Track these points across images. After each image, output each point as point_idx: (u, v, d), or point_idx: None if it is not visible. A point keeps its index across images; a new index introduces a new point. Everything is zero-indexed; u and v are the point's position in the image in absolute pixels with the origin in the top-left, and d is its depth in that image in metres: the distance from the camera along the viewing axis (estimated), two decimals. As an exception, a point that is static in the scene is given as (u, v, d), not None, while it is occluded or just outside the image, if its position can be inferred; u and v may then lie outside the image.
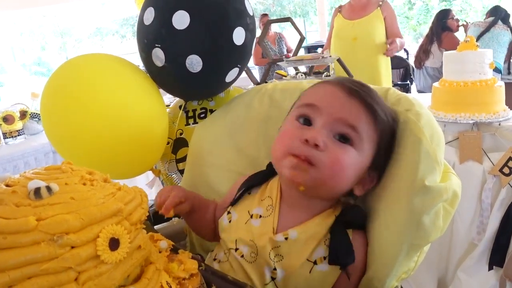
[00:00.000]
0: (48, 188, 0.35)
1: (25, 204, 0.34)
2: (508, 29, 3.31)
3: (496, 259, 1.43)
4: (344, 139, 0.56)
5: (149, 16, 0.80)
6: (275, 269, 0.58)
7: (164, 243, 0.52)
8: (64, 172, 0.39)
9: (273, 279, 0.58)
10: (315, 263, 0.57)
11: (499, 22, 3.34)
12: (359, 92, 0.58)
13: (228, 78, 0.87)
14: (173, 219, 0.85)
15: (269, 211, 0.62)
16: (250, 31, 0.83)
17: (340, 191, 0.60)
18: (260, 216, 0.62)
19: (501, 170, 1.41)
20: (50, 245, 0.33)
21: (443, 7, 12.26)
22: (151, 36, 0.81)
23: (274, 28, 4.70)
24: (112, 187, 0.39)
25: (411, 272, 0.57)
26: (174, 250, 0.54)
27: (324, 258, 0.57)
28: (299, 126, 0.59)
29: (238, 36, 0.80)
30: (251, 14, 0.84)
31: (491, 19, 3.38)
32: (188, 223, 0.75)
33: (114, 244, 0.36)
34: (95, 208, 0.35)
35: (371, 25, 2.48)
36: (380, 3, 2.49)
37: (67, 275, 0.33)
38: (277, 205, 0.62)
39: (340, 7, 2.60)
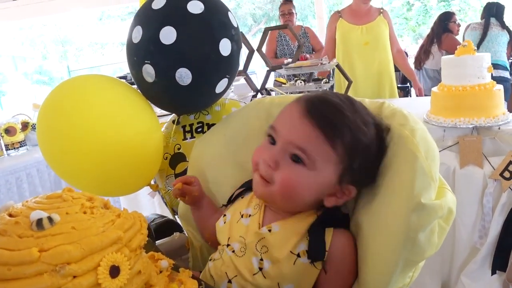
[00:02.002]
0: (50, 219, 0.36)
1: (28, 235, 0.35)
2: (504, 30, 3.29)
3: (498, 263, 1.43)
4: (297, 158, 0.60)
5: (137, 34, 0.83)
6: (261, 259, 0.62)
7: (165, 263, 0.53)
8: (65, 201, 0.40)
9: (260, 269, 0.62)
10: (298, 255, 0.61)
11: (493, 21, 3.32)
12: (313, 112, 0.59)
13: (218, 89, 0.89)
14: (174, 233, 0.85)
15: (256, 209, 0.68)
16: (235, 41, 0.87)
17: (302, 205, 0.63)
18: (250, 215, 0.68)
19: (501, 175, 1.42)
20: (53, 275, 0.34)
21: (442, 7, 12.29)
22: (141, 53, 0.84)
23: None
24: (112, 214, 0.40)
25: (406, 287, 0.58)
26: (175, 269, 0.55)
27: (307, 251, 0.61)
28: (266, 146, 0.64)
29: (224, 47, 0.84)
30: (236, 25, 0.88)
31: (483, 20, 3.38)
32: (195, 220, 0.81)
33: (114, 271, 0.36)
34: (96, 238, 0.36)
35: (380, 29, 2.52)
36: (381, 10, 2.55)
37: (70, 304, 0.34)
38: (263, 203, 0.68)
39: (339, 12, 2.59)
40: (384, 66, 2.56)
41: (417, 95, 2.81)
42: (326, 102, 0.61)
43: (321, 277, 0.60)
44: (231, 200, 0.75)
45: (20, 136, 2.25)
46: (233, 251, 0.65)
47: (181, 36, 0.80)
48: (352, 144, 0.58)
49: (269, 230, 0.63)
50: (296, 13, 3.45)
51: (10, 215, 0.38)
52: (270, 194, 0.62)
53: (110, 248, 0.37)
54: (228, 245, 0.67)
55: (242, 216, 0.68)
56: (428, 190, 0.54)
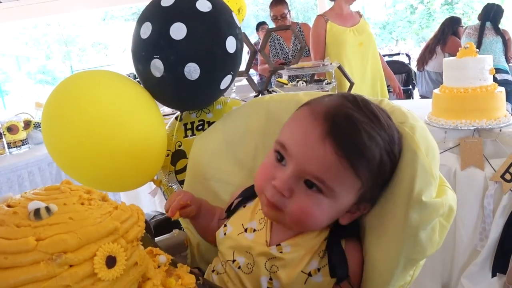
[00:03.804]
0: (48, 209, 0.36)
1: (25, 224, 0.35)
2: (498, 35, 3.28)
3: (499, 265, 1.42)
4: (312, 184, 0.53)
5: (146, 30, 0.85)
6: (271, 279, 0.59)
7: (163, 258, 0.53)
8: (63, 192, 0.40)
9: None
10: (309, 274, 0.58)
11: (488, 25, 3.31)
12: (336, 134, 0.51)
13: (223, 85, 0.92)
14: (174, 230, 0.86)
15: (262, 224, 0.64)
16: (239, 40, 0.91)
17: (318, 228, 0.59)
18: (254, 230, 0.64)
19: (502, 177, 1.41)
20: (49, 264, 0.34)
21: (445, 11, 12.28)
22: (150, 48, 0.86)
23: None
24: (109, 206, 0.40)
25: (407, 286, 0.58)
26: (173, 264, 0.55)
27: (318, 269, 0.58)
28: (273, 163, 0.57)
29: (231, 44, 0.87)
30: (239, 26, 0.92)
31: (479, 24, 3.38)
32: (195, 227, 0.77)
33: (110, 261, 0.37)
34: (92, 228, 0.36)
35: (368, 30, 2.55)
36: (360, 13, 2.58)
37: (66, 293, 0.34)
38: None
39: (325, 15, 2.54)
40: (376, 66, 2.58)
41: (397, 97, 2.78)
42: (350, 121, 0.51)
43: None
44: (231, 210, 0.70)
45: (22, 135, 2.26)
46: (239, 267, 0.62)
47: (190, 32, 0.83)
48: (378, 167, 0.53)
49: (281, 252, 0.59)
50: (290, 11, 3.05)
51: (9, 206, 0.38)
52: (285, 221, 0.56)
53: (106, 238, 0.37)
54: (234, 260, 0.63)
55: (246, 231, 0.64)
56: (429, 188, 0.53)
